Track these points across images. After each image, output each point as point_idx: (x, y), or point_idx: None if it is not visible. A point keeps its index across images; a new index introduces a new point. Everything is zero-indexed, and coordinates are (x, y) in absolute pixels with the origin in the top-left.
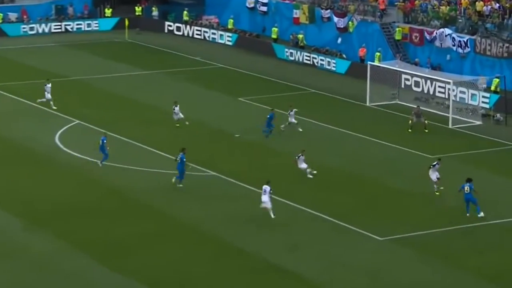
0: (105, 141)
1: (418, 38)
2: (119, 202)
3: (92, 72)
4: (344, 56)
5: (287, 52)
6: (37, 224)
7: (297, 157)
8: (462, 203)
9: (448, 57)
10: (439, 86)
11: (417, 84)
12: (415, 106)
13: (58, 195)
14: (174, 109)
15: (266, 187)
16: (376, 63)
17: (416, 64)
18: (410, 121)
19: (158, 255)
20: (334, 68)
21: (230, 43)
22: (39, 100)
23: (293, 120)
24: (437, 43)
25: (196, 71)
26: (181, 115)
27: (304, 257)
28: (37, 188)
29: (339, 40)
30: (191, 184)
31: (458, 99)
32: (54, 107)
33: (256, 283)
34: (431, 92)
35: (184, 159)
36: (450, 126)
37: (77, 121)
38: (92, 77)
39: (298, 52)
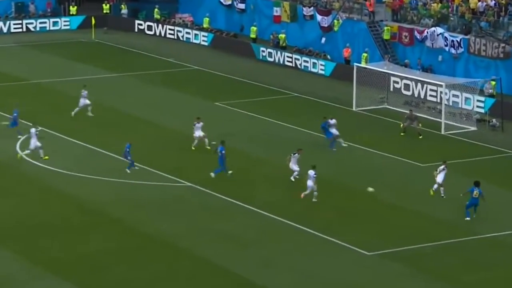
0: (128, 149)
1: (408, 38)
2: (87, 216)
3: (56, 74)
4: (328, 57)
5: (267, 53)
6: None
7: (291, 155)
8: (454, 215)
9: (440, 58)
10: (430, 89)
11: (407, 87)
12: (408, 111)
13: (20, 210)
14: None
15: (311, 172)
16: (363, 64)
17: (406, 65)
18: (401, 125)
19: (131, 272)
20: (317, 70)
21: (205, 43)
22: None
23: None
24: (428, 43)
25: (169, 74)
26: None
27: (282, 274)
28: None
29: (323, 40)
30: (163, 196)
31: (451, 103)
32: (91, 114)
33: None
34: (422, 96)
35: (224, 151)
36: (442, 132)
37: (40, 128)
38: (55, 80)
39: (279, 53)
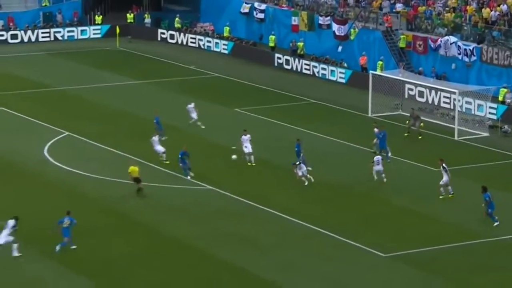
0: (182, 156)
1: (422, 46)
2: (111, 219)
3: (81, 82)
4: (345, 64)
5: (285, 61)
6: (26, 244)
7: (296, 164)
8: (466, 218)
9: (453, 66)
10: (444, 96)
11: (421, 94)
12: (411, 109)
13: (46, 212)
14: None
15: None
16: (378, 72)
17: (420, 73)
18: (407, 122)
19: (154, 276)
20: (334, 78)
21: (226, 52)
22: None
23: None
24: (442, 51)
25: (190, 81)
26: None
27: (300, 277)
28: (25, 205)
29: (340, 48)
30: (185, 199)
31: (464, 110)
32: (202, 127)
33: None
34: (436, 103)
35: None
36: (455, 138)
37: (67, 133)
38: (81, 87)
39: (297, 61)
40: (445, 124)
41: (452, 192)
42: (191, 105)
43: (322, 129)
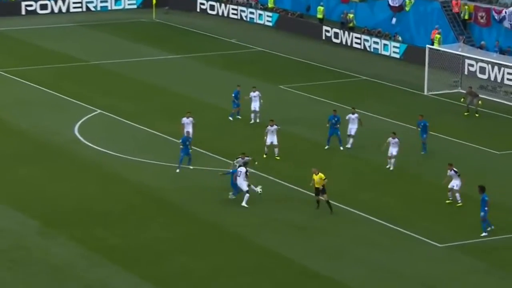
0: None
1: (484, 18)
2: (147, 202)
3: (115, 56)
4: (399, 38)
5: (334, 34)
6: (56, 228)
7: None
8: None
9: None
10: (508, 73)
11: (482, 70)
12: (469, 87)
13: (78, 195)
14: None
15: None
16: (435, 46)
17: (481, 47)
18: (462, 99)
19: (192, 262)
20: (388, 52)
21: (270, 24)
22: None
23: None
24: (507, 23)
25: (231, 55)
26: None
27: (349, 266)
28: (55, 187)
29: (394, 20)
30: (224, 183)
31: None
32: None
33: None
34: (499, 80)
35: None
36: None
37: (99, 111)
38: (115, 62)
39: (347, 34)
40: (509, 103)
41: (460, 201)
42: (255, 93)
43: (374, 108)
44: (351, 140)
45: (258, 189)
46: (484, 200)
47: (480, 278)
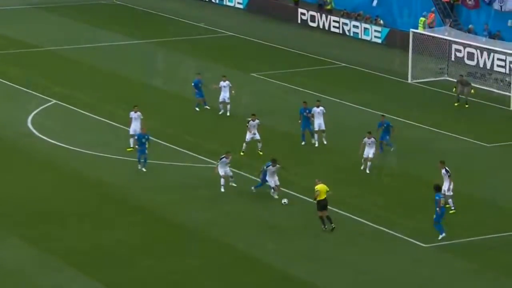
0: (266, 167)
1: (472, 0)
2: (106, 201)
3: (72, 41)
4: (381, 21)
5: (310, 17)
6: (5, 229)
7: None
8: None
9: (509, 22)
10: (498, 59)
11: (470, 56)
12: (460, 75)
13: (31, 193)
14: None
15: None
16: (420, 30)
17: (469, 31)
18: (454, 89)
19: (157, 266)
20: (368, 37)
21: (241, 6)
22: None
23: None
24: (497, 5)
25: (199, 40)
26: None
27: (330, 268)
28: (5, 184)
29: (375, 2)
30: (191, 179)
31: None
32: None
33: None
34: (488, 66)
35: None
36: (511, 108)
37: (54, 101)
38: (71, 47)
39: (324, 17)
40: (499, 91)
41: (454, 208)
42: (225, 83)
43: (353, 97)
44: (316, 137)
45: (284, 200)
46: (436, 200)
47: (470, 278)
